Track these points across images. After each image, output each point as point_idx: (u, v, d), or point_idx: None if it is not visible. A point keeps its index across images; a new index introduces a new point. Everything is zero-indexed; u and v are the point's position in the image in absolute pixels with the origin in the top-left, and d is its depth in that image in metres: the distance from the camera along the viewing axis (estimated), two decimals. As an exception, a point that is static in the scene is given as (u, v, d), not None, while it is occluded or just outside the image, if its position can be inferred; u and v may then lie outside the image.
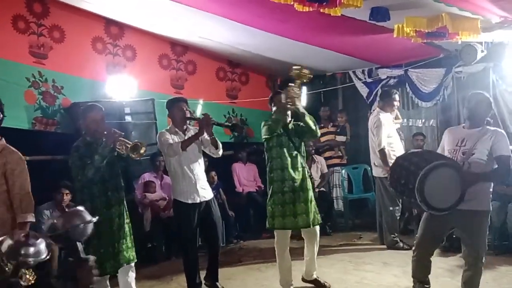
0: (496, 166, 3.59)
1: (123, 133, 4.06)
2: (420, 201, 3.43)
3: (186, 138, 4.51)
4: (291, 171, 4.52)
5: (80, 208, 1.61)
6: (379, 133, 5.98)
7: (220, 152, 4.64)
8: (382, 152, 5.96)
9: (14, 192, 3.58)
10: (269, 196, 4.64)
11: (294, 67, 4.60)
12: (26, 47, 6.14)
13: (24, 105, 6.06)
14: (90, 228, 1.56)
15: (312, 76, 4.75)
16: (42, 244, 1.51)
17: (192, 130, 4.59)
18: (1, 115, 3.69)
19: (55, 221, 1.55)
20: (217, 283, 4.75)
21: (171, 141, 4.44)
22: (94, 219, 1.56)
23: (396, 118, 6.49)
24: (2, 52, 5.81)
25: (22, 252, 1.46)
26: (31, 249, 1.47)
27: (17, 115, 5.85)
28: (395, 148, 6.02)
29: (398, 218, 6.14)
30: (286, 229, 4.58)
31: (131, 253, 4.22)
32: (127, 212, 4.25)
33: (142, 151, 3.97)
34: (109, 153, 3.95)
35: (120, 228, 4.13)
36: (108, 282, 4.22)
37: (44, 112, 6.26)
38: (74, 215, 1.59)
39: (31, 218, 3.61)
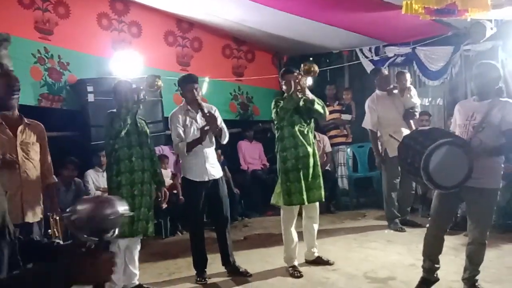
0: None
1: None
2: (426, 180, 3.42)
3: (198, 116, 4.56)
4: (304, 148, 4.60)
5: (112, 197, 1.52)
6: (367, 112, 6.13)
7: (226, 140, 4.68)
8: (370, 132, 6.14)
9: (45, 159, 3.93)
10: (281, 174, 4.65)
11: (305, 63, 4.69)
12: (32, 22, 6.12)
13: (30, 81, 6.06)
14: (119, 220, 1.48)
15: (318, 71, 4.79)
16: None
17: (206, 108, 4.55)
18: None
19: (81, 207, 1.46)
20: (236, 264, 4.74)
21: (180, 132, 4.51)
22: (126, 212, 1.49)
23: (405, 96, 6.13)
24: (7, 28, 5.78)
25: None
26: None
27: (23, 91, 5.72)
28: (387, 127, 5.90)
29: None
30: (302, 204, 4.67)
31: (150, 226, 4.42)
32: (152, 185, 4.48)
33: None
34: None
35: (142, 196, 4.33)
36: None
37: (50, 88, 6.26)
38: (105, 202, 1.50)
39: (55, 179, 4.19)
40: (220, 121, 4.59)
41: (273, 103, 4.69)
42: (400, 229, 5.93)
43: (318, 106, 4.58)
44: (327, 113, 4.89)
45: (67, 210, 1.49)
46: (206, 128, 4.42)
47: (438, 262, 3.90)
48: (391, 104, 6.07)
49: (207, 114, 4.45)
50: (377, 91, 6.22)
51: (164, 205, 5.69)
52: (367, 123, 6.20)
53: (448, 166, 3.41)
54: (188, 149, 4.44)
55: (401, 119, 6.02)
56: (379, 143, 6.14)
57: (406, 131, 5.72)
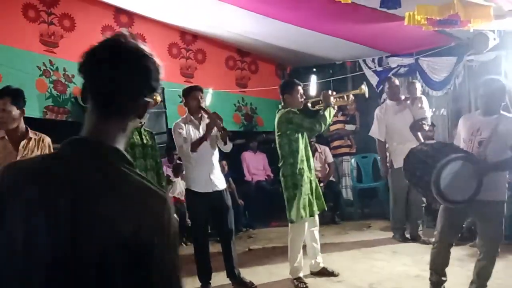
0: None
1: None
2: (436, 194, 3.41)
3: (201, 126, 4.57)
4: (310, 161, 4.69)
5: None
6: (374, 121, 6.08)
7: (229, 147, 4.67)
8: (378, 142, 6.07)
9: None
10: (296, 189, 4.54)
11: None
12: (37, 35, 6.17)
13: (35, 94, 6.09)
14: None
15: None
16: None
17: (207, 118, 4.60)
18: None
19: None
20: (241, 276, 4.70)
21: (183, 136, 4.49)
22: None
23: (415, 106, 5.98)
24: (13, 41, 5.84)
25: None
26: None
27: (28, 104, 5.76)
28: (395, 137, 5.90)
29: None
30: (313, 215, 4.69)
31: None
32: None
33: None
34: None
35: None
36: None
37: (55, 100, 6.30)
38: None
39: None
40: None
41: (285, 114, 4.58)
42: (403, 240, 5.88)
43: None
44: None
45: None
46: (211, 125, 4.42)
47: (445, 275, 3.89)
48: (400, 114, 5.94)
49: (211, 113, 4.50)
50: (387, 101, 6.17)
51: None
52: (374, 132, 6.12)
53: (458, 181, 3.41)
54: (192, 148, 4.40)
55: (408, 130, 5.86)
56: (387, 153, 6.09)
57: (412, 143, 5.67)
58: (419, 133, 5.87)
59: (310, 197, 4.60)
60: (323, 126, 4.56)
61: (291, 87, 4.71)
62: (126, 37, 1.26)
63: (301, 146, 4.60)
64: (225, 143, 4.61)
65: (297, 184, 4.54)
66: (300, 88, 4.67)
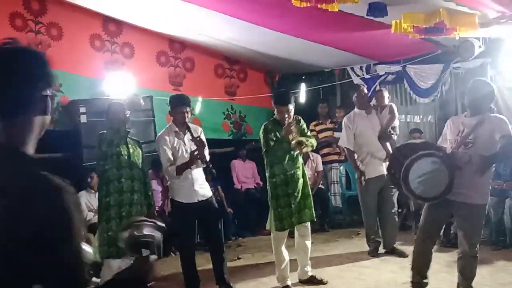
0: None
1: None
2: (406, 190, 3.50)
3: (185, 137, 4.54)
4: (293, 172, 4.57)
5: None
6: (343, 130, 5.91)
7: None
8: (347, 151, 5.95)
9: None
10: (272, 200, 4.61)
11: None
12: (24, 44, 6.12)
13: (22, 103, 6.05)
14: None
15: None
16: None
17: (192, 130, 4.56)
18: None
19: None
20: (230, 284, 4.69)
21: (168, 156, 4.46)
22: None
23: (383, 114, 5.90)
24: (-1, 50, 5.81)
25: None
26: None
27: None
28: (364, 147, 5.72)
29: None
30: (292, 227, 4.67)
31: None
32: (143, 207, 4.47)
33: None
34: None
35: (129, 217, 4.25)
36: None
37: (42, 109, 6.25)
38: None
39: None
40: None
41: (262, 129, 4.65)
42: (374, 255, 5.68)
43: (307, 148, 4.59)
44: (314, 146, 4.85)
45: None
46: (195, 153, 4.39)
47: (426, 277, 3.91)
48: (367, 122, 5.76)
49: (197, 139, 4.44)
50: (355, 109, 5.93)
51: None
52: (343, 142, 5.96)
53: (429, 177, 3.48)
54: (178, 172, 4.43)
55: (377, 139, 5.70)
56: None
57: (382, 153, 5.61)
58: (387, 144, 5.70)
59: (290, 209, 4.53)
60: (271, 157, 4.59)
61: (274, 102, 4.64)
62: (15, 43, 1.32)
63: (276, 160, 4.55)
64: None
65: (272, 196, 4.60)
66: (283, 109, 4.49)
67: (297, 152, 4.51)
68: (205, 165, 4.48)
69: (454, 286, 3.87)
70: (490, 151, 3.54)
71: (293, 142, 4.39)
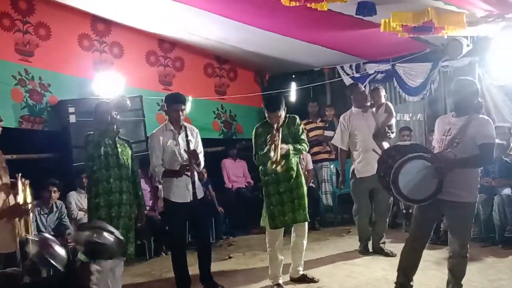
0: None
1: None
2: (396, 193, 3.51)
3: (180, 136, 4.53)
4: (285, 172, 4.53)
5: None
6: (337, 129, 5.93)
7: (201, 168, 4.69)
8: (340, 151, 5.96)
9: None
10: (265, 197, 4.63)
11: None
12: (12, 44, 6.09)
13: (11, 103, 6.02)
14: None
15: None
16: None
17: (188, 130, 4.56)
18: None
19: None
20: (214, 280, 4.74)
21: (158, 157, 4.50)
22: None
23: (379, 112, 5.84)
24: (-13, 50, 5.78)
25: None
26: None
27: (4, 114, 5.78)
28: (359, 146, 5.69)
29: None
30: (286, 226, 4.67)
31: (130, 247, 4.35)
32: (132, 207, 4.46)
33: None
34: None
35: (119, 217, 4.29)
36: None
37: (31, 110, 6.21)
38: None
39: None
40: (200, 150, 4.60)
41: (253, 132, 4.64)
42: (365, 253, 5.73)
43: (294, 155, 4.57)
44: (306, 151, 4.85)
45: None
46: (187, 167, 4.41)
47: (412, 279, 3.90)
48: (364, 121, 5.70)
49: (191, 153, 4.43)
50: (352, 108, 5.87)
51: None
52: (336, 141, 5.96)
53: (418, 179, 3.49)
54: (163, 176, 4.47)
55: (372, 138, 5.62)
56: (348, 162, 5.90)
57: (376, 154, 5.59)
58: (383, 143, 5.63)
59: (283, 208, 4.54)
60: (260, 162, 4.59)
61: (266, 109, 4.57)
62: None
63: (267, 159, 4.48)
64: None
65: (265, 194, 4.63)
66: (273, 115, 4.44)
67: (276, 167, 4.36)
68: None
69: (444, 283, 3.89)
70: (473, 152, 3.56)
71: (268, 164, 4.36)
